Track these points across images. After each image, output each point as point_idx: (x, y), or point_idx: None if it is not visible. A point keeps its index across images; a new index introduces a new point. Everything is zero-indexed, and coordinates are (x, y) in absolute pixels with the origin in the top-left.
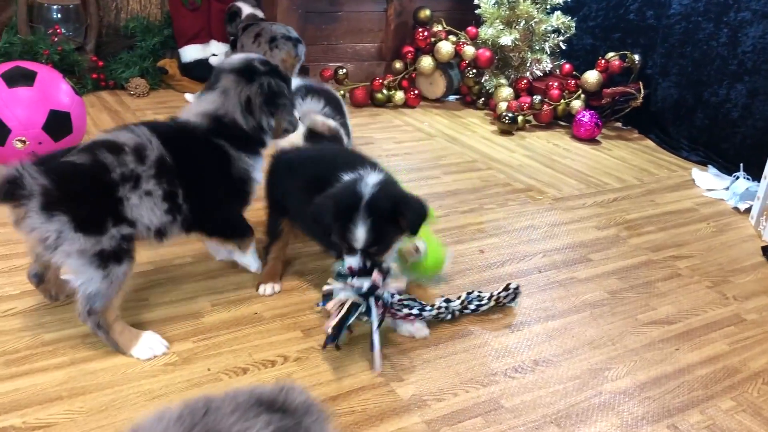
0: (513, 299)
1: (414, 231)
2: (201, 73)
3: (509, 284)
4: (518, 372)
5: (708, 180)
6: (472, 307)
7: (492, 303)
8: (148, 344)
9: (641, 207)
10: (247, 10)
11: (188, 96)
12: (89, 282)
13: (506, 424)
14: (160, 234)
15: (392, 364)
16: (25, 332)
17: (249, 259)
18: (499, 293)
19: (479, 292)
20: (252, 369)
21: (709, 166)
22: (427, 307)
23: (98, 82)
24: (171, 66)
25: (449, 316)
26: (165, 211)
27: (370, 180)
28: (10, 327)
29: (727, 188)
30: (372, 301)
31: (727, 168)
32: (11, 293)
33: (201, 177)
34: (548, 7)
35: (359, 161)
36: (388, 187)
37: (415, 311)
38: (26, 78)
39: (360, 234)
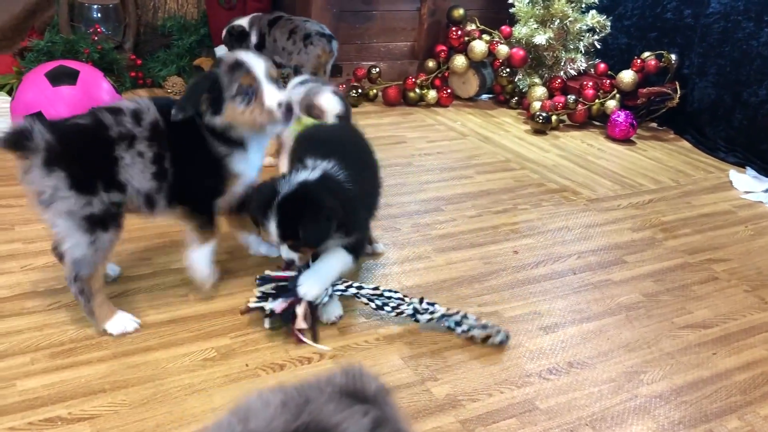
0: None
1: (309, 244)
2: None
3: (495, 328)
4: (553, 374)
5: (746, 182)
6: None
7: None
8: (122, 321)
9: (677, 209)
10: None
11: None
12: (76, 247)
13: (541, 425)
14: (149, 202)
15: (426, 363)
16: (69, 325)
17: (200, 259)
18: (480, 328)
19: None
20: (289, 365)
21: (747, 168)
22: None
23: (136, 80)
24: (207, 65)
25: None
26: (153, 174)
27: (297, 178)
28: (55, 320)
29: (766, 190)
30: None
31: (766, 170)
32: (55, 287)
33: (185, 146)
34: (583, 6)
35: (334, 150)
36: (305, 190)
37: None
38: (69, 77)
39: (272, 229)
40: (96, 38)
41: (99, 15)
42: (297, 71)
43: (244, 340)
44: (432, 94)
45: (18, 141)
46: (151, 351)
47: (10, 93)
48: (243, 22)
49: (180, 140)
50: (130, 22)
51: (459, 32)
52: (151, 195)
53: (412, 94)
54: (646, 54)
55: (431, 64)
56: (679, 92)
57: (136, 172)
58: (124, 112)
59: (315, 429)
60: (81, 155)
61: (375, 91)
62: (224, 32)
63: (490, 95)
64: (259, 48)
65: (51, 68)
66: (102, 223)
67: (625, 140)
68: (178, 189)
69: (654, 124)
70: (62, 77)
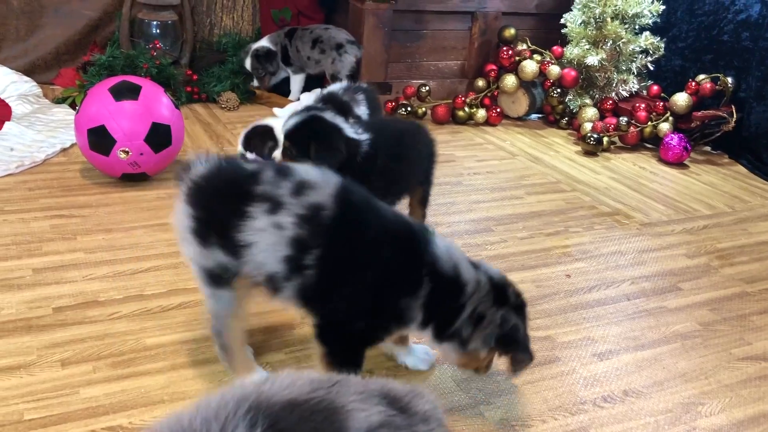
0: None
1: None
2: (287, 88)
3: None
4: (607, 402)
5: None
6: None
7: None
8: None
9: (733, 236)
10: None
11: (276, 110)
12: (206, 299)
13: None
14: (272, 283)
15: (479, 387)
16: (129, 336)
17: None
18: None
19: None
20: None
21: None
22: None
23: (192, 95)
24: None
25: None
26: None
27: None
28: (116, 330)
29: None
30: None
31: None
32: (115, 297)
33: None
34: (636, 27)
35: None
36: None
37: None
38: (131, 92)
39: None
40: (154, 53)
41: (158, 31)
42: (334, 79)
43: (298, 356)
44: (481, 113)
45: (180, 174)
46: (208, 363)
47: (72, 106)
48: (264, 43)
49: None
50: (187, 38)
51: (510, 52)
52: (274, 278)
53: (461, 113)
54: (701, 77)
55: (481, 83)
56: (735, 116)
57: (265, 242)
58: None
59: (323, 404)
60: (209, 202)
61: (424, 109)
62: (249, 57)
63: (540, 115)
64: (285, 61)
65: (114, 83)
66: (217, 279)
67: (678, 164)
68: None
69: (708, 148)
70: (125, 92)
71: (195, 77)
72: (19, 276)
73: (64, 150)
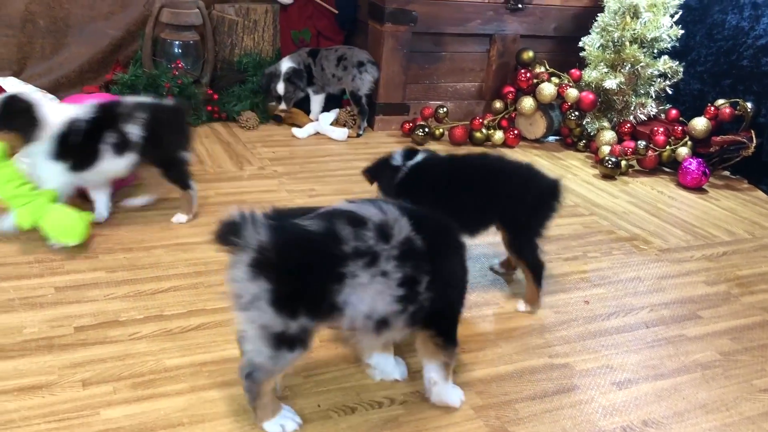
0: None
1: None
2: (308, 106)
3: None
4: None
5: None
6: None
7: None
8: (282, 422)
9: (754, 263)
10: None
11: (295, 131)
12: (257, 354)
13: None
14: (381, 325)
15: (497, 414)
16: (149, 357)
17: (450, 392)
18: None
19: None
20: (360, 409)
21: None
22: None
23: (212, 113)
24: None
25: None
26: (398, 297)
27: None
28: (136, 351)
29: None
30: None
31: None
32: (136, 317)
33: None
34: (655, 51)
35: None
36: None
37: None
38: None
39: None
40: (176, 73)
41: (180, 51)
42: (354, 96)
43: (316, 380)
44: (499, 135)
45: (224, 236)
46: (227, 386)
47: None
48: (290, 63)
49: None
50: (208, 58)
51: (528, 74)
52: (386, 319)
53: (478, 134)
54: (720, 101)
55: (498, 104)
56: (754, 141)
57: (370, 294)
58: (368, 224)
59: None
60: (293, 272)
61: (441, 130)
62: (282, 82)
63: (557, 137)
64: (309, 82)
65: None
66: (290, 343)
67: (697, 188)
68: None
69: (727, 173)
70: None
71: (216, 96)
72: (41, 294)
73: None
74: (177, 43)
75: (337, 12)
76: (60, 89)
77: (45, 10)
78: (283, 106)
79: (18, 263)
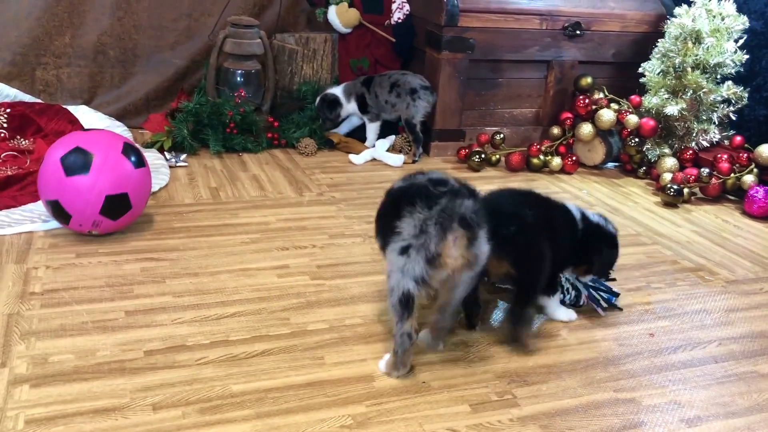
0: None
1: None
2: (363, 135)
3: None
4: None
5: None
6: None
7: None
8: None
9: None
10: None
11: (352, 157)
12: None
13: None
14: None
15: None
16: (216, 382)
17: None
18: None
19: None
20: None
21: None
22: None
23: (272, 140)
24: (336, 136)
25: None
26: None
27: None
28: (203, 376)
29: None
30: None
31: None
32: (202, 342)
33: None
34: (718, 76)
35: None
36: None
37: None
38: (83, 166)
39: None
40: (239, 101)
41: (242, 79)
42: (408, 124)
43: (379, 409)
44: (556, 161)
45: (468, 222)
46: (292, 413)
47: (161, 150)
48: (335, 91)
49: None
50: (269, 86)
51: (586, 100)
52: None
53: (535, 161)
54: None
55: (556, 131)
56: None
57: None
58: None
59: None
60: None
61: (498, 156)
62: (317, 100)
63: (617, 164)
64: (362, 109)
65: (66, 152)
66: None
67: (765, 218)
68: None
69: None
70: (76, 166)
71: (276, 124)
72: (113, 318)
73: (153, 194)
74: (239, 72)
75: (394, 40)
76: (127, 116)
77: (115, 42)
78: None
79: (90, 287)
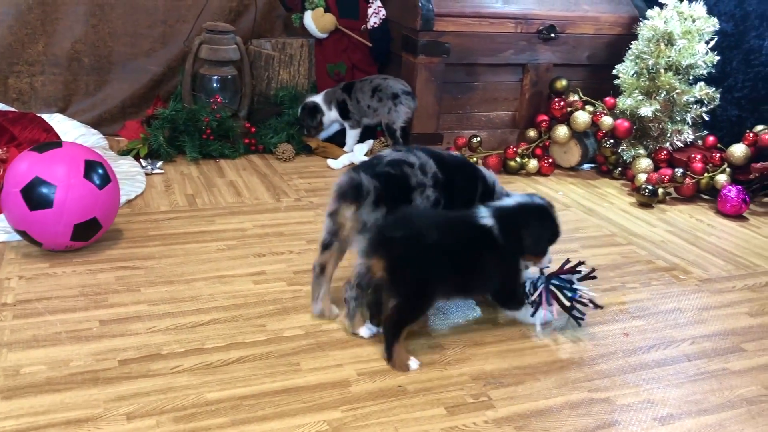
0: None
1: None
2: (342, 139)
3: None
4: None
5: None
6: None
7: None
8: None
9: None
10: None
11: (330, 162)
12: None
13: None
14: None
15: None
16: (190, 390)
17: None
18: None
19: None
20: None
21: None
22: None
23: (249, 146)
24: (314, 141)
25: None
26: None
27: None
28: (178, 384)
29: None
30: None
31: None
32: (177, 350)
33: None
34: (691, 77)
35: None
36: None
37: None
38: (44, 201)
39: None
40: (215, 107)
41: (218, 85)
42: (389, 129)
43: (355, 414)
44: (533, 164)
45: (354, 193)
46: (267, 420)
47: (137, 157)
48: (315, 99)
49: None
50: (245, 92)
51: (561, 103)
52: None
53: (512, 163)
54: (760, 127)
55: (532, 133)
56: None
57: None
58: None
59: None
60: (396, 197)
61: (475, 159)
62: (300, 109)
63: (592, 165)
64: (344, 116)
65: (27, 183)
66: None
67: (737, 216)
68: None
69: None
70: (38, 200)
71: (253, 129)
72: (87, 328)
73: (128, 202)
74: (216, 77)
75: (371, 45)
76: (102, 124)
77: (90, 49)
78: (304, 131)
79: (64, 297)
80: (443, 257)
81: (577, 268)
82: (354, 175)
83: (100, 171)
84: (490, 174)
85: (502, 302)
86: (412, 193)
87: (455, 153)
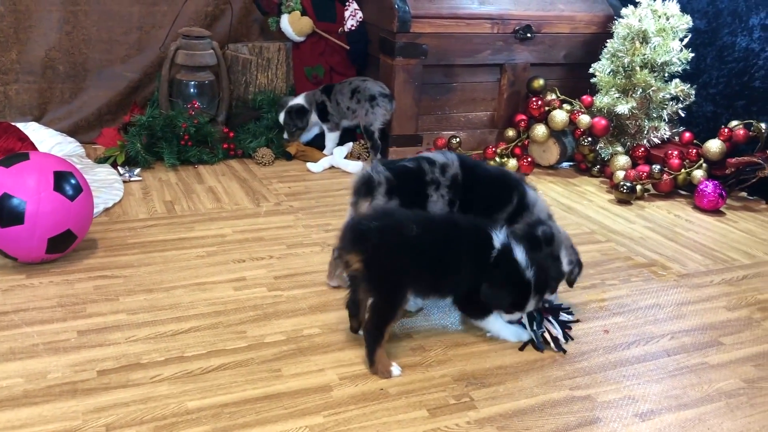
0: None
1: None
2: (322, 142)
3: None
4: None
5: None
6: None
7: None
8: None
9: None
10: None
11: (310, 165)
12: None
13: None
14: None
15: None
16: (171, 399)
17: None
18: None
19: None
20: None
21: None
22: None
23: (228, 151)
24: (293, 146)
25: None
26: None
27: None
28: (158, 393)
29: None
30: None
31: None
32: (157, 359)
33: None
34: (666, 75)
35: None
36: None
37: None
38: (15, 218)
39: None
40: (192, 113)
41: (195, 90)
42: (367, 131)
43: (337, 419)
44: (512, 163)
45: (367, 188)
46: (248, 428)
47: (114, 165)
48: (299, 101)
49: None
50: (223, 97)
51: (539, 102)
52: None
53: (492, 163)
54: (734, 123)
55: (511, 133)
56: None
57: (436, 207)
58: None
59: None
60: (408, 189)
61: None
62: (283, 113)
63: (571, 163)
64: (323, 118)
65: None
66: None
67: (714, 211)
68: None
69: (744, 194)
70: (8, 218)
71: (231, 134)
72: (64, 339)
73: (106, 210)
74: (192, 83)
75: (348, 48)
76: (79, 132)
77: (64, 57)
78: (285, 136)
79: (41, 308)
80: (420, 253)
81: (564, 313)
82: (365, 171)
83: (72, 181)
84: (534, 194)
85: (462, 308)
86: (427, 187)
87: (497, 166)
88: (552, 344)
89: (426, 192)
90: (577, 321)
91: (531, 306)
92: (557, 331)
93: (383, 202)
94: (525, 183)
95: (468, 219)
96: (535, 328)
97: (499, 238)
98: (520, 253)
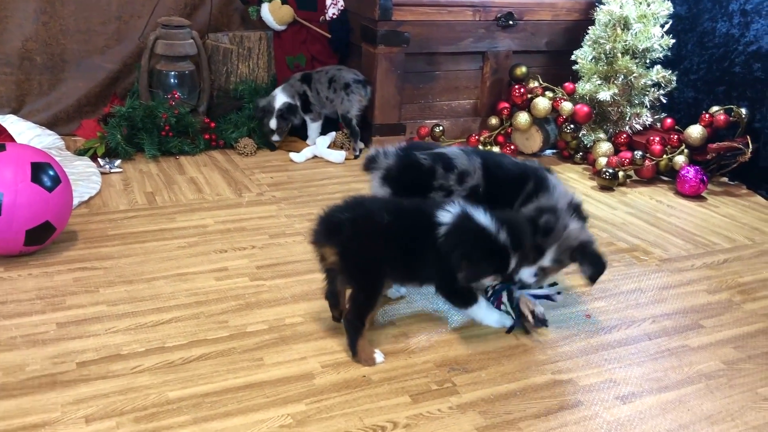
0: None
1: None
2: (304, 132)
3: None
4: None
5: None
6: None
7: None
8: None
9: (755, 269)
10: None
11: (293, 155)
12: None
13: None
14: None
15: None
16: (151, 390)
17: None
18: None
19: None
20: None
21: None
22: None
23: (210, 142)
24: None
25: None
26: None
27: None
28: (138, 384)
29: None
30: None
31: None
32: (138, 350)
33: None
34: (647, 61)
35: None
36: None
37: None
38: None
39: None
40: (173, 103)
41: (176, 81)
42: (345, 119)
43: (319, 406)
44: (495, 151)
45: (369, 165)
46: (230, 416)
47: (94, 157)
48: (284, 97)
49: None
50: (204, 87)
51: (521, 90)
52: None
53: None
54: (715, 108)
55: (494, 121)
56: (750, 147)
57: None
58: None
59: None
60: (404, 184)
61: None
62: (275, 119)
63: (554, 151)
64: (305, 109)
65: None
66: None
67: (696, 196)
68: None
69: (725, 179)
70: None
71: (213, 125)
72: (43, 331)
73: (84, 202)
74: (173, 73)
75: (330, 36)
76: (58, 124)
77: (41, 47)
78: (275, 138)
79: (19, 300)
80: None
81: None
82: (374, 150)
83: (51, 172)
84: (556, 183)
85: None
86: (431, 191)
87: (512, 157)
88: (530, 318)
89: (427, 194)
90: (559, 293)
91: (516, 265)
92: (535, 304)
93: (378, 185)
94: (548, 172)
95: (420, 203)
96: (514, 305)
97: (449, 212)
98: (483, 217)
